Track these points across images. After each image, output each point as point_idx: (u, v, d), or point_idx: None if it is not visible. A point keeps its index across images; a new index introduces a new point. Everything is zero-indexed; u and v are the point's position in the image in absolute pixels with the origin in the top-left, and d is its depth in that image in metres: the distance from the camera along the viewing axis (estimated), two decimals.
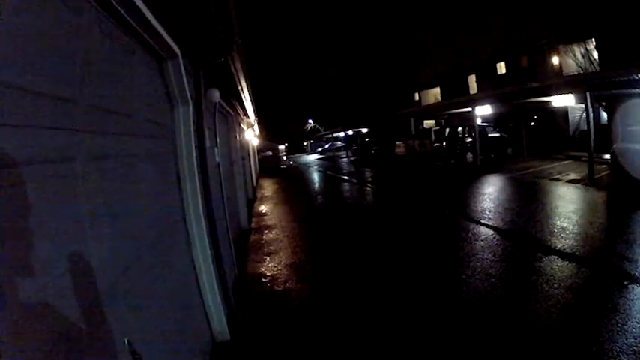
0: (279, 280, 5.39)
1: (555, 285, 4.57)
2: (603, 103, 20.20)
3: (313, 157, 44.07)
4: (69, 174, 1.47)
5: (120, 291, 1.71)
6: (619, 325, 3.59)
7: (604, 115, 21.39)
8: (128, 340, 1.58)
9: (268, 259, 6.37)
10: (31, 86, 1.24)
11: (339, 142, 48.13)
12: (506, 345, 3.44)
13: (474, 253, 5.89)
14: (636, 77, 11.71)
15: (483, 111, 18.53)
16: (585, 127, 17.63)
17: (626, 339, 3.35)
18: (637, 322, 3.59)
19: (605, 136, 16.83)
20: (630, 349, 3.20)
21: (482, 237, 6.67)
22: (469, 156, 19.71)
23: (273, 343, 3.75)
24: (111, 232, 1.75)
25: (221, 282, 3.65)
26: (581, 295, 4.39)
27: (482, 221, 7.72)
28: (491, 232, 6.96)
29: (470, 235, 6.86)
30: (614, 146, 12.14)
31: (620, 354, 3.15)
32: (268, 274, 5.66)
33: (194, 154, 3.36)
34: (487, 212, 8.52)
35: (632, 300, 4.06)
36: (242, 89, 6.83)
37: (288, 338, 3.84)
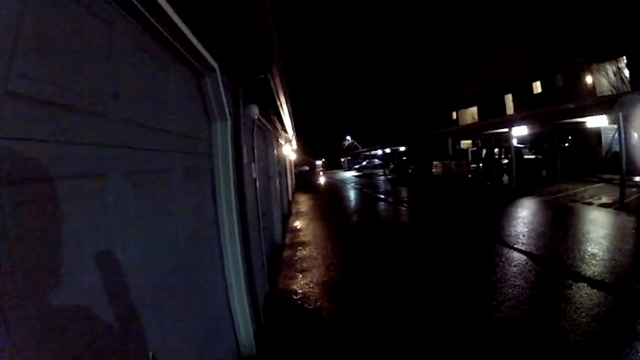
0: (311, 298, 5.31)
1: (583, 313, 4.47)
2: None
3: (350, 174, 43.95)
4: (103, 189, 1.48)
5: (150, 304, 1.72)
6: None
7: (635, 135, 20.57)
8: (153, 355, 1.56)
9: (301, 276, 6.31)
10: (64, 101, 1.26)
11: (376, 160, 47.89)
12: None
13: (506, 279, 5.73)
14: None
15: (519, 132, 18.17)
16: (617, 148, 17.02)
17: None
18: None
19: (636, 157, 16.24)
20: None
21: (515, 262, 6.52)
22: (505, 178, 19.23)
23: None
24: (144, 247, 1.76)
25: (251, 297, 3.62)
26: (609, 323, 4.27)
27: (515, 246, 7.53)
28: (524, 257, 6.80)
29: (503, 260, 6.70)
30: None
31: None
32: (300, 291, 5.59)
33: (231, 170, 3.38)
34: (520, 237, 8.30)
35: None
36: (281, 105, 6.89)
37: (315, 356, 3.76)
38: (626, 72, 21.73)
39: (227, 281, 3.32)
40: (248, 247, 3.67)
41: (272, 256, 7.27)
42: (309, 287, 5.74)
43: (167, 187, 2.21)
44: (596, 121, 14.76)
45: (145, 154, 1.90)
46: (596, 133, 21.95)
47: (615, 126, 14.79)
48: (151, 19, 1.90)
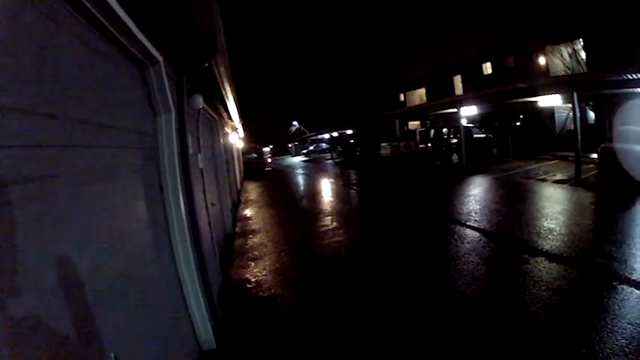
0: (265, 286, 5.36)
1: (543, 287, 4.59)
2: (591, 103, 20.50)
3: (298, 159, 44.01)
4: (51, 191, 1.44)
5: (106, 305, 1.71)
6: (609, 325, 3.62)
7: (591, 114, 21.74)
8: (115, 356, 1.56)
9: (253, 264, 6.34)
10: (6, 104, 1.21)
11: (323, 144, 48.18)
12: (491, 341, 3.51)
13: (460, 256, 5.92)
14: (625, 78, 11.88)
15: (469, 112, 18.69)
16: (572, 127, 17.96)
17: (617, 340, 3.38)
18: (628, 323, 3.63)
19: (592, 135, 17.12)
20: (622, 350, 3.24)
21: (468, 239, 6.71)
22: (454, 157, 19.88)
23: (259, 350, 3.75)
24: (95, 247, 1.74)
25: (205, 290, 3.61)
26: (570, 296, 4.41)
27: (467, 223, 7.78)
28: (477, 234, 7.00)
29: (455, 237, 6.90)
30: (603, 145, 12.36)
31: (611, 355, 3.18)
32: (253, 280, 5.62)
33: (176, 162, 3.33)
34: (473, 214, 8.58)
35: (622, 300, 4.10)
36: (226, 93, 6.77)
37: (274, 345, 3.84)
38: (583, 54, 22.55)
39: (180, 276, 3.29)
40: (198, 240, 3.64)
41: (224, 246, 7.22)
42: (263, 275, 5.78)
43: (115, 184, 2.15)
44: (550, 101, 15.32)
45: (92, 153, 1.86)
46: (550, 112, 23.03)
47: (569, 105, 15.48)
48: (95, 12, 1.84)
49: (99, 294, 1.65)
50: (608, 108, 18.33)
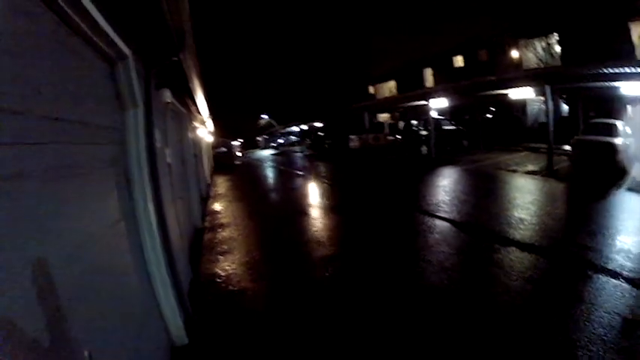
0: (234, 279, 5.38)
1: (514, 276, 4.63)
2: (564, 96, 21.09)
3: (267, 153, 43.69)
4: (18, 189, 1.43)
5: (76, 303, 1.71)
6: (585, 314, 3.67)
7: (565, 107, 22.38)
8: (90, 354, 1.58)
9: (223, 258, 6.33)
10: None
11: (293, 137, 48.01)
12: (461, 331, 3.62)
13: (429, 246, 6.01)
14: (597, 72, 12.23)
15: (439, 104, 18.87)
16: (544, 119, 18.30)
17: (594, 328, 3.43)
18: (605, 312, 3.70)
19: (565, 127, 17.61)
20: (599, 338, 3.29)
21: (438, 230, 6.80)
22: (423, 149, 20.17)
23: (231, 344, 3.78)
24: (64, 245, 1.73)
25: (175, 285, 3.61)
26: (544, 285, 4.45)
27: (437, 214, 7.87)
28: (447, 224, 7.10)
29: (425, 228, 6.98)
30: (576, 137, 12.66)
31: (590, 344, 3.22)
32: (223, 274, 5.63)
33: (144, 157, 3.30)
34: (442, 204, 8.70)
35: (598, 290, 4.17)
36: (194, 87, 6.70)
37: (245, 339, 3.88)
38: (557, 48, 23.10)
39: (150, 271, 3.28)
40: (167, 235, 3.62)
41: (193, 240, 7.17)
42: (232, 269, 5.80)
43: (83, 180, 2.13)
44: (522, 93, 15.55)
45: (61, 150, 1.84)
46: (522, 105, 23.53)
47: (542, 98, 15.82)
48: (66, 7, 1.82)
49: (70, 292, 1.64)
50: (582, 101, 19.00)
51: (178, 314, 3.50)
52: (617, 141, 11.56)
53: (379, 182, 13.96)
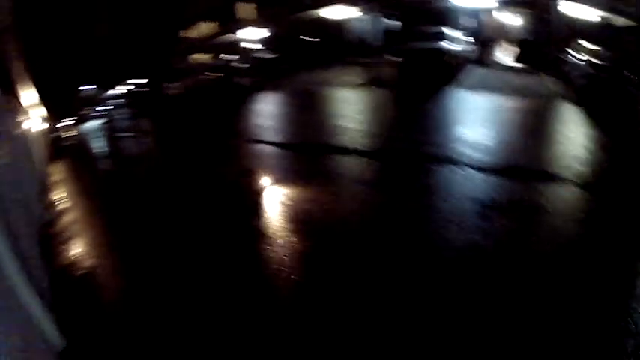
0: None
1: (346, 179, 4.69)
2: (396, 13, 21.79)
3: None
4: None
5: None
6: (434, 199, 3.81)
7: (397, 23, 23.05)
8: None
9: (77, 244, 5.60)
10: None
11: (120, 100, 43.23)
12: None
13: (255, 171, 5.77)
14: None
15: (256, 35, 19.04)
16: (365, 35, 18.90)
17: (441, 213, 3.59)
18: (456, 200, 3.82)
19: (395, 41, 17.81)
20: (451, 223, 3.43)
21: (266, 153, 6.53)
22: (244, 80, 19.70)
23: (108, 338, 3.41)
24: None
25: (35, 285, 3.28)
26: (382, 184, 4.49)
27: (260, 139, 7.51)
28: (272, 147, 6.81)
29: (248, 153, 6.72)
30: (402, 46, 12.67)
31: (441, 229, 3.34)
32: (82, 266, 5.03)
33: None
34: (265, 130, 8.29)
35: (438, 180, 4.34)
36: None
37: (123, 332, 3.44)
38: None
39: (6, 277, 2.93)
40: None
41: (44, 234, 6.26)
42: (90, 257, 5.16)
43: None
44: (344, 12, 15.88)
45: None
46: (345, 23, 22.62)
47: (364, 15, 16.24)
48: None
49: None
50: (414, 16, 19.26)
51: (49, 318, 3.22)
52: (445, 46, 11.79)
53: (200, 115, 13.34)
